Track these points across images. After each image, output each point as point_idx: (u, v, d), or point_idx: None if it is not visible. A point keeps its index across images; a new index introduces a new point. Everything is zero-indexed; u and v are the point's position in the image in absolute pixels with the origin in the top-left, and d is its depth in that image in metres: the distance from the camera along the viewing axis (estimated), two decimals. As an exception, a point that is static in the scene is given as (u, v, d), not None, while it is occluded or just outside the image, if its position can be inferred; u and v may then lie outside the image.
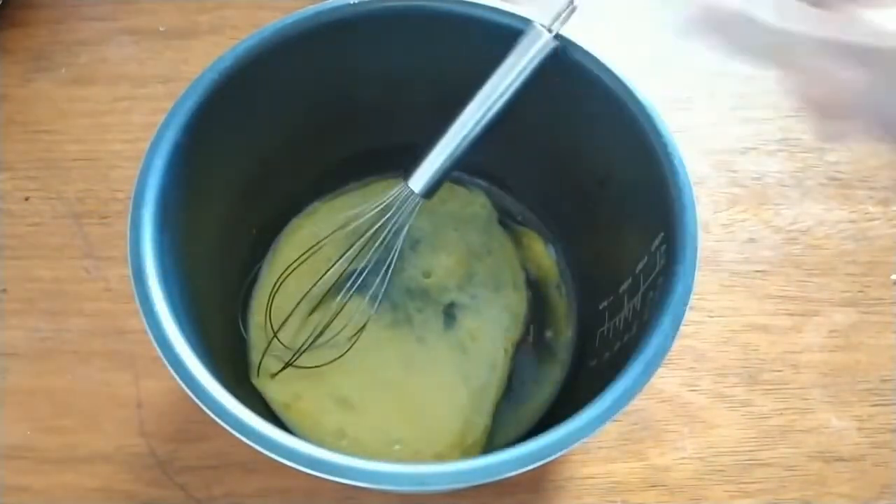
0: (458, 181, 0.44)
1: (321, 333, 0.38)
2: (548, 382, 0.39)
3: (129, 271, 0.28)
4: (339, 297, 0.38)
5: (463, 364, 0.39)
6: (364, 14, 0.34)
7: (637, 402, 0.38)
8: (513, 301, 0.41)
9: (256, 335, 0.39)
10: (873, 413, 0.40)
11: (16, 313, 0.42)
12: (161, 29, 0.52)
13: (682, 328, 0.27)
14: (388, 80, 0.38)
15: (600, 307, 0.37)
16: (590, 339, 0.39)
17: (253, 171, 0.37)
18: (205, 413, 0.25)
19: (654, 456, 0.39)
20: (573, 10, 0.32)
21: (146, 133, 0.30)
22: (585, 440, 0.25)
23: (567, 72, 0.33)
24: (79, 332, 0.41)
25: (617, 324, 0.34)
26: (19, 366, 0.41)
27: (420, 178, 0.34)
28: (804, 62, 0.23)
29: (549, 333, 0.41)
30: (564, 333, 0.40)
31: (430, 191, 0.34)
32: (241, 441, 0.25)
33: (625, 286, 0.33)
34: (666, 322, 0.27)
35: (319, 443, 0.25)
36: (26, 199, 0.45)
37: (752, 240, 0.45)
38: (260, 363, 0.38)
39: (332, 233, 0.39)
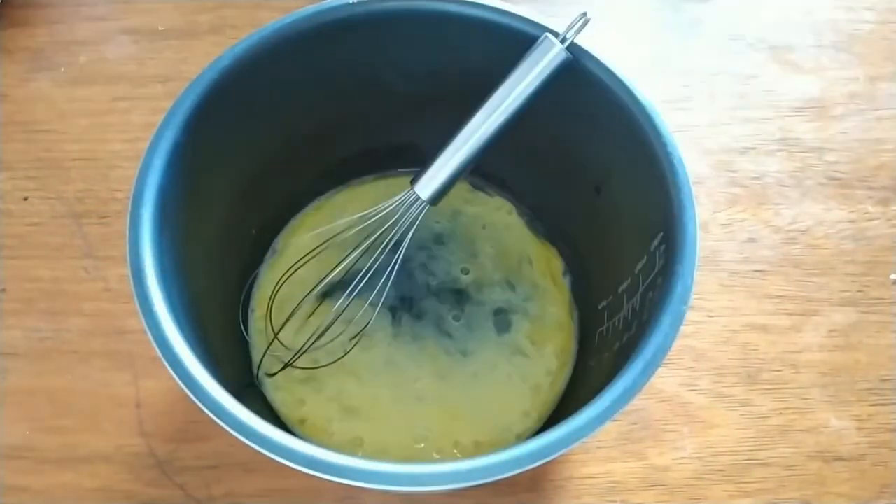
0: (478, 186, 0.44)
1: (322, 335, 0.38)
2: (547, 382, 0.39)
3: (128, 271, 0.28)
4: (341, 300, 0.38)
5: (520, 367, 0.39)
6: (364, 14, 0.34)
7: (636, 402, 0.38)
8: (558, 302, 0.41)
9: (257, 336, 0.39)
10: (872, 413, 0.40)
11: (15, 313, 0.42)
12: (160, 29, 0.52)
13: (681, 328, 0.27)
14: (388, 81, 0.38)
15: (599, 307, 0.37)
16: (589, 339, 0.39)
17: (253, 171, 0.37)
18: (204, 413, 0.25)
19: (653, 456, 0.39)
20: (586, 22, 0.32)
21: (145, 133, 0.30)
22: (585, 440, 0.25)
23: (570, 74, 0.33)
24: (78, 332, 0.41)
25: (616, 324, 0.34)
26: (19, 366, 0.41)
27: (427, 185, 0.34)
28: None
29: (548, 333, 0.41)
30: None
31: (437, 197, 0.34)
32: (240, 441, 0.25)
33: (624, 286, 0.33)
34: (665, 322, 0.27)
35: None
36: (25, 198, 0.45)
37: (751, 240, 0.45)
38: (260, 363, 0.38)
39: (335, 235, 0.39)
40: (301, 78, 0.36)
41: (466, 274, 0.41)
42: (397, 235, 0.36)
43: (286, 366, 0.38)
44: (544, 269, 0.42)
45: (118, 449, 0.39)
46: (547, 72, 0.32)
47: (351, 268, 0.38)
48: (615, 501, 0.38)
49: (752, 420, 0.40)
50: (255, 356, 0.39)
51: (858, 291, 0.44)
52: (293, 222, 0.43)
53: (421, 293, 0.41)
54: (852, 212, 0.46)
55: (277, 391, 0.38)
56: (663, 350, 0.27)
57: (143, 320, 0.27)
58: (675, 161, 0.30)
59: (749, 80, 0.51)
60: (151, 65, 0.50)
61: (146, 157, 0.30)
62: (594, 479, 0.39)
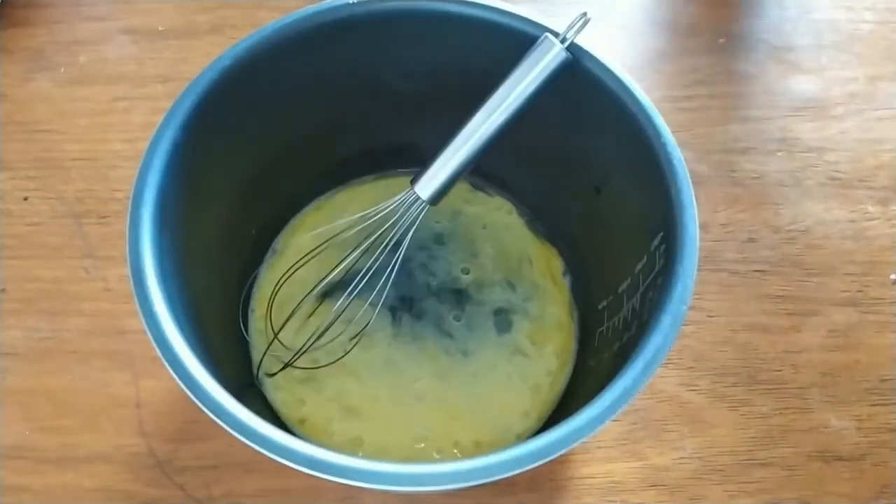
0: (478, 187, 0.44)
1: (322, 335, 0.38)
2: (547, 382, 0.39)
3: (128, 271, 0.28)
4: (341, 300, 0.38)
5: (521, 367, 0.39)
6: (364, 14, 0.34)
7: (636, 402, 0.38)
8: (558, 302, 0.41)
9: (257, 336, 0.39)
10: (872, 413, 0.40)
11: (15, 313, 0.42)
12: (160, 29, 0.52)
13: (681, 328, 0.27)
14: (388, 81, 0.38)
15: (599, 307, 0.37)
16: (589, 339, 0.39)
17: (253, 171, 0.37)
18: (204, 413, 0.25)
19: (653, 455, 0.39)
20: (586, 22, 0.32)
21: (145, 133, 0.30)
22: (585, 440, 0.25)
23: (569, 73, 0.33)
24: (78, 332, 0.41)
25: (616, 324, 0.34)
26: (18, 366, 0.41)
27: (427, 185, 0.34)
28: None
29: (548, 333, 0.41)
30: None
31: (437, 197, 0.34)
32: (240, 441, 0.25)
33: (624, 286, 0.33)
34: (665, 322, 0.27)
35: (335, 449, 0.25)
36: (25, 198, 0.45)
37: (751, 239, 0.45)
38: (260, 363, 0.38)
39: (335, 235, 0.39)
40: (301, 78, 0.36)
41: (467, 274, 0.41)
42: (397, 235, 0.36)
43: (286, 366, 0.38)
44: (544, 269, 0.42)
45: (118, 449, 0.39)
46: (547, 72, 0.32)
47: (351, 268, 0.38)
48: (615, 501, 0.38)
49: (752, 420, 0.40)
50: (255, 356, 0.39)
51: (858, 291, 0.44)
52: (293, 222, 0.43)
53: (421, 293, 0.41)
54: (852, 212, 0.46)
55: (277, 391, 0.38)
56: (663, 350, 0.27)
57: (143, 320, 0.27)
58: (675, 161, 0.30)
59: (749, 80, 0.51)
60: (151, 65, 0.50)
61: (146, 157, 0.30)
62: (594, 479, 0.39)
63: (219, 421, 0.25)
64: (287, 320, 0.39)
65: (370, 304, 0.38)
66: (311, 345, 0.38)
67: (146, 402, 0.40)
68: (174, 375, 0.26)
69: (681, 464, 0.39)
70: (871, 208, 0.46)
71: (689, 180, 0.29)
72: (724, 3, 0.54)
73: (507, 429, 0.37)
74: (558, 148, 0.38)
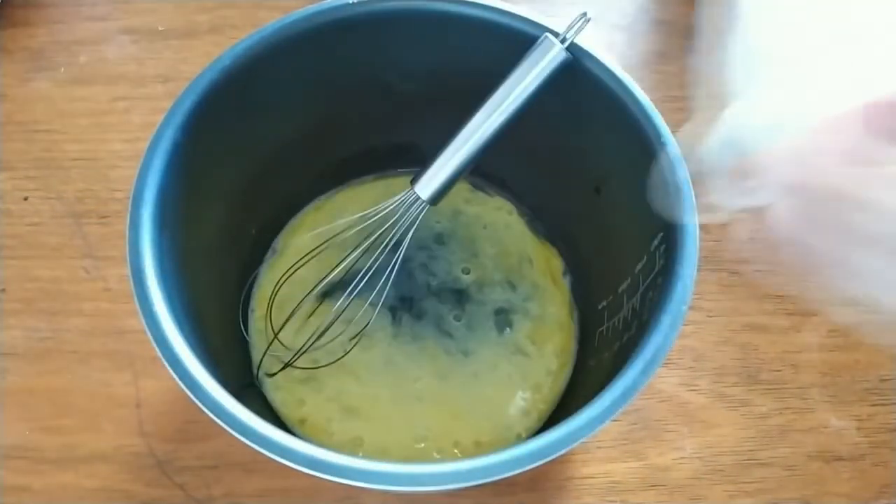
0: (478, 186, 0.44)
1: (322, 335, 0.38)
2: (547, 382, 0.39)
3: (128, 271, 0.28)
4: (341, 300, 0.38)
5: (521, 366, 0.39)
6: (364, 14, 0.34)
7: (636, 402, 0.38)
8: (558, 302, 0.41)
9: (257, 336, 0.39)
10: (872, 412, 0.40)
11: (15, 313, 0.42)
12: (160, 29, 0.52)
13: (681, 328, 0.27)
14: (388, 80, 0.38)
15: (599, 307, 0.37)
16: (589, 339, 0.39)
17: (253, 171, 0.37)
18: (204, 413, 0.25)
19: (653, 456, 0.39)
20: (586, 22, 0.32)
21: (145, 133, 0.30)
22: (585, 440, 0.25)
23: (569, 73, 0.33)
24: (78, 332, 0.41)
25: (616, 324, 0.34)
26: (18, 366, 0.41)
27: (427, 185, 0.34)
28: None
29: (548, 333, 0.41)
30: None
31: (437, 197, 0.34)
32: (240, 441, 0.25)
33: (624, 286, 0.33)
34: (665, 322, 0.27)
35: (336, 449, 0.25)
36: (25, 198, 0.45)
37: (751, 239, 0.45)
38: (260, 363, 0.38)
39: (335, 235, 0.39)
40: (301, 78, 0.36)
41: (467, 274, 0.41)
42: (397, 235, 0.36)
43: (286, 366, 0.38)
44: (544, 268, 0.42)
45: (118, 449, 0.39)
46: (547, 72, 0.32)
47: (351, 268, 0.38)
48: (615, 501, 0.38)
49: (752, 420, 0.40)
50: (255, 356, 0.39)
51: (858, 291, 0.44)
52: (293, 222, 0.43)
53: (421, 293, 0.41)
54: (852, 212, 0.46)
55: (277, 391, 0.38)
56: (663, 350, 0.27)
57: (143, 320, 0.27)
58: (675, 161, 0.30)
59: (749, 80, 0.50)
60: (151, 65, 0.50)
61: (146, 157, 0.30)
62: (594, 479, 0.39)
63: (219, 421, 0.25)
64: (287, 320, 0.39)
65: (370, 304, 0.38)
66: (311, 345, 0.38)
67: (146, 402, 0.40)
68: (174, 375, 0.26)
69: (681, 464, 0.39)
70: (871, 208, 0.46)
71: (690, 180, 0.29)
72: (724, 3, 0.54)
73: (508, 429, 0.37)
74: (558, 148, 0.38)
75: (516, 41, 0.33)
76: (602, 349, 0.35)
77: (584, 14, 0.32)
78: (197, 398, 0.26)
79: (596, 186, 0.37)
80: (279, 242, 0.42)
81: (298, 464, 0.25)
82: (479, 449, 0.37)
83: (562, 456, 0.26)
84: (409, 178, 0.35)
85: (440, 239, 0.42)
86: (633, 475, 0.39)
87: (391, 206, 0.35)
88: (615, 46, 0.52)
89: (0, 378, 0.40)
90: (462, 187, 0.44)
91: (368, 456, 0.35)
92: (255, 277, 0.41)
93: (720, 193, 0.17)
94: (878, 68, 0.18)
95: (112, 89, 0.49)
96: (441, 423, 0.37)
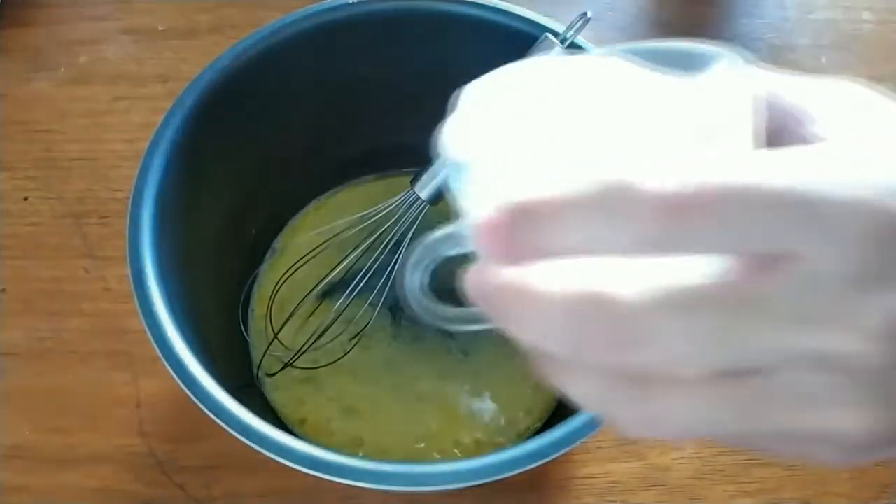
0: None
1: (322, 335, 0.38)
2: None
3: (128, 271, 0.28)
4: (341, 300, 0.38)
5: (521, 366, 0.39)
6: (364, 14, 0.34)
7: (637, 402, 0.38)
8: None
9: (257, 336, 0.39)
10: (873, 413, 0.40)
11: (15, 313, 0.42)
12: (160, 28, 0.52)
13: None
14: (389, 80, 0.38)
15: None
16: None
17: (253, 171, 0.37)
18: (204, 413, 0.25)
19: (653, 455, 0.39)
20: (587, 21, 0.32)
21: (145, 133, 0.30)
22: (585, 440, 0.25)
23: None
24: (78, 332, 0.41)
25: (616, 324, 0.34)
26: (19, 366, 0.41)
27: (427, 185, 0.34)
28: None
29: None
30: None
31: (437, 197, 0.34)
32: (240, 441, 0.25)
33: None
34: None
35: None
36: (25, 198, 0.45)
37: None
38: (260, 363, 0.38)
39: (335, 235, 0.39)
40: (301, 78, 0.36)
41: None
42: (397, 235, 0.36)
43: (286, 366, 0.38)
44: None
45: (118, 449, 0.39)
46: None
47: (351, 268, 0.38)
48: (615, 501, 0.38)
49: (752, 420, 0.40)
50: (255, 356, 0.39)
51: (858, 291, 0.44)
52: (293, 222, 0.43)
53: (421, 293, 0.41)
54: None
55: (277, 391, 0.38)
56: (663, 350, 0.26)
57: (143, 320, 0.27)
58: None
59: (749, 80, 0.51)
60: (151, 65, 0.50)
61: (146, 158, 0.30)
62: (594, 479, 0.39)
63: (219, 421, 0.25)
64: (287, 320, 0.39)
65: (370, 304, 0.38)
66: (311, 345, 0.38)
67: (146, 402, 0.40)
68: (174, 375, 0.26)
69: (681, 464, 0.39)
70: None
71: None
72: (724, 3, 0.54)
73: (508, 429, 0.37)
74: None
75: (517, 41, 0.33)
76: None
77: (584, 14, 0.32)
78: (197, 398, 0.26)
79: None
80: (279, 242, 0.42)
81: (298, 464, 0.25)
82: (480, 449, 0.37)
83: (562, 456, 0.26)
84: (409, 178, 0.35)
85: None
86: (633, 475, 0.39)
87: (391, 206, 0.35)
88: (615, 46, 0.52)
89: (0, 378, 0.40)
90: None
91: (368, 456, 0.35)
92: (255, 277, 0.41)
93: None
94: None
95: (112, 89, 0.49)
96: (441, 423, 0.37)
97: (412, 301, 0.18)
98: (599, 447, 0.39)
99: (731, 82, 0.16)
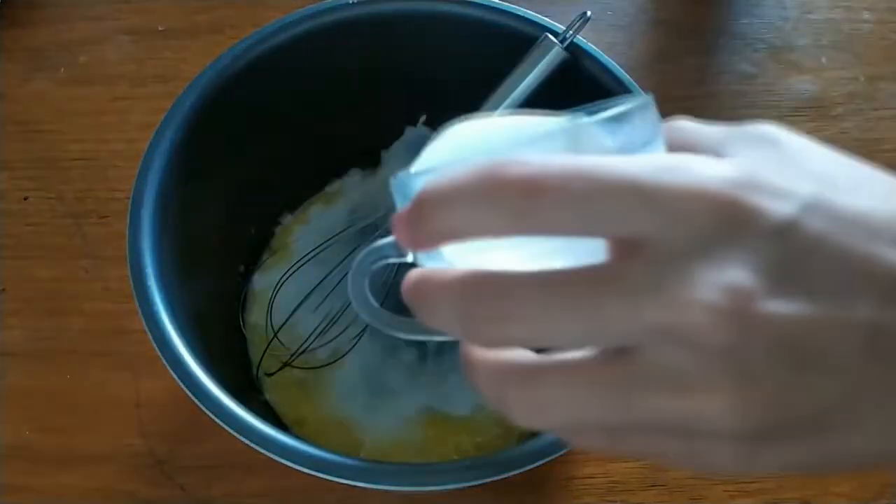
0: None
1: (322, 335, 0.38)
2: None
3: (128, 271, 0.28)
4: (341, 300, 0.38)
5: None
6: (364, 14, 0.34)
7: (636, 402, 0.38)
8: None
9: (256, 335, 0.39)
10: (873, 413, 0.40)
11: (15, 313, 0.42)
12: (160, 28, 0.52)
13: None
14: (389, 80, 0.38)
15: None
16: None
17: (252, 170, 0.37)
18: (204, 413, 0.25)
19: (653, 456, 0.39)
20: (586, 21, 0.32)
21: (145, 133, 0.30)
22: (585, 440, 0.25)
23: (569, 73, 0.33)
24: (78, 332, 0.41)
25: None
26: (18, 366, 0.41)
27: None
28: None
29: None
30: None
31: None
32: (240, 441, 0.25)
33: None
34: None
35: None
36: (25, 198, 0.45)
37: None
38: (259, 363, 0.38)
39: (337, 234, 0.39)
40: (300, 78, 0.36)
41: None
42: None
43: (285, 365, 0.38)
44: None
45: (118, 449, 0.39)
46: (547, 71, 0.32)
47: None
48: (615, 501, 0.38)
49: (752, 420, 0.40)
50: (255, 356, 0.39)
51: (858, 291, 0.44)
52: (293, 222, 0.43)
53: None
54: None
55: (277, 391, 0.38)
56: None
57: (143, 320, 0.27)
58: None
59: (749, 80, 0.51)
60: (151, 65, 0.50)
61: (146, 158, 0.30)
62: (594, 479, 0.39)
63: (219, 421, 0.25)
64: (287, 320, 0.39)
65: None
66: (311, 345, 0.38)
67: (146, 402, 0.40)
68: (174, 375, 0.26)
69: (681, 464, 0.39)
70: (871, 208, 0.46)
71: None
72: (724, 3, 0.54)
73: (508, 429, 0.37)
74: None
75: (516, 41, 0.33)
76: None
77: (584, 14, 0.32)
78: (197, 398, 0.26)
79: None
80: (279, 242, 0.42)
81: (298, 464, 0.25)
82: (479, 450, 0.37)
83: (562, 456, 0.26)
84: (410, 177, 0.35)
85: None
86: (633, 475, 0.39)
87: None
88: (615, 46, 0.52)
89: (0, 378, 0.40)
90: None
91: (368, 456, 0.35)
92: (254, 277, 0.41)
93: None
94: None
95: (112, 89, 0.49)
96: (441, 424, 0.37)
97: (358, 306, 0.19)
98: (599, 447, 0.39)
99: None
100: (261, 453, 0.25)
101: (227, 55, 0.32)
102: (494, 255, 0.17)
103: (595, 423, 0.16)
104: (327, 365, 0.38)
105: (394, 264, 0.35)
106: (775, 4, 0.54)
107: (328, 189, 0.44)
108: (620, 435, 0.17)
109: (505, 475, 0.24)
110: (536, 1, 0.51)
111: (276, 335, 0.38)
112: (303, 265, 0.39)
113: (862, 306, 0.15)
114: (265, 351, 0.38)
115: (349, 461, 0.25)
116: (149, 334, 0.27)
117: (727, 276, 0.15)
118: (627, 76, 0.32)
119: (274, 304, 0.39)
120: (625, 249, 0.16)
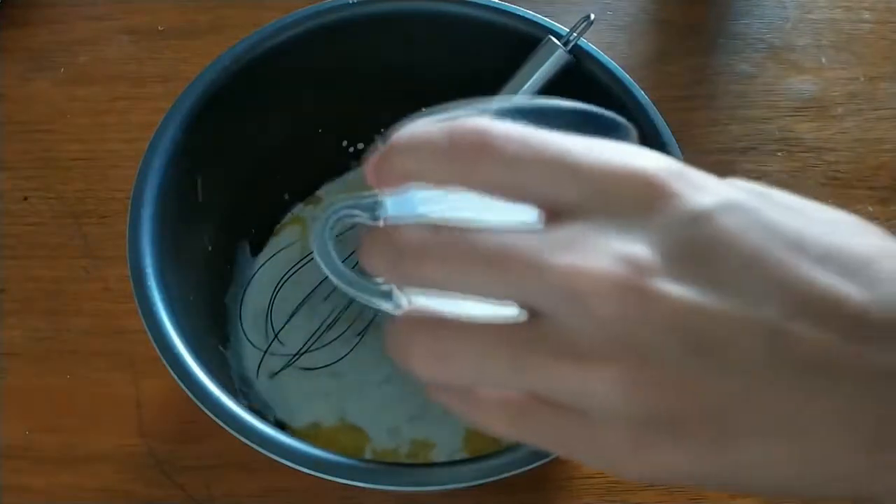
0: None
1: (322, 335, 0.38)
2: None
3: (128, 271, 0.28)
4: (342, 300, 0.38)
5: None
6: (364, 14, 0.34)
7: (637, 402, 0.38)
8: None
9: (257, 336, 0.39)
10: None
11: (15, 313, 0.42)
12: (160, 28, 0.52)
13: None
14: (389, 80, 0.38)
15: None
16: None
17: (253, 170, 0.37)
18: (204, 413, 0.25)
19: (653, 456, 0.39)
20: (590, 24, 0.32)
21: (145, 133, 0.30)
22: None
23: (571, 74, 0.33)
24: (78, 332, 0.41)
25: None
26: (18, 366, 0.41)
27: None
28: None
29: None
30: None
31: None
32: (240, 441, 0.25)
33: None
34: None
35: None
36: (25, 198, 0.45)
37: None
38: (260, 363, 0.38)
39: (336, 235, 0.39)
40: (301, 77, 0.36)
41: None
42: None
43: (286, 366, 0.38)
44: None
45: (118, 449, 0.39)
46: (550, 75, 0.32)
47: (353, 266, 0.38)
48: (615, 501, 0.38)
49: (752, 420, 0.40)
50: (256, 356, 0.39)
51: (858, 291, 0.44)
52: (293, 221, 0.43)
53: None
54: (852, 212, 0.46)
55: (277, 391, 0.38)
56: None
57: (143, 320, 0.27)
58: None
59: (749, 80, 0.51)
60: (151, 65, 0.50)
61: (146, 158, 0.30)
62: (594, 479, 0.39)
63: (219, 421, 0.25)
64: (287, 320, 0.39)
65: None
66: (312, 345, 0.38)
67: (146, 402, 0.40)
68: (174, 375, 0.26)
69: (681, 464, 0.39)
70: (871, 208, 0.46)
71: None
72: (724, 3, 0.54)
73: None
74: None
75: (519, 42, 0.33)
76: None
77: (588, 17, 0.32)
78: (197, 398, 0.26)
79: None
80: (279, 242, 0.42)
81: (298, 464, 0.25)
82: (479, 450, 0.37)
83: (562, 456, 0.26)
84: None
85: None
86: (633, 475, 0.39)
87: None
88: (615, 46, 0.52)
89: (0, 378, 0.40)
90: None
91: (368, 457, 0.35)
92: (255, 277, 0.41)
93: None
94: None
95: (112, 89, 0.49)
96: (442, 425, 0.37)
97: (320, 258, 0.21)
98: (599, 447, 0.39)
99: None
100: (261, 453, 0.25)
101: (227, 55, 0.32)
102: (440, 206, 0.19)
103: (492, 383, 0.17)
104: (329, 365, 0.38)
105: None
106: (775, 4, 0.54)
107: (331, 190, 0.43)
108: (520, 413, 0.17)
109: (505, 475, 0.24)
110: (537, 1, 0.52)
111: (276, 336, 0.38)
112: (304, 265, 0.39)
113: (767, 309, 0.15)
114: (266, 351, 0.38)
115: (349, 461, 0.25)
116: (149, 334, 0.27)
117: (628, 249, 0.16)
118: (628, 77, 0.32)
119: (275, 304, 0.39)
120: (552, 218, 0.17)
